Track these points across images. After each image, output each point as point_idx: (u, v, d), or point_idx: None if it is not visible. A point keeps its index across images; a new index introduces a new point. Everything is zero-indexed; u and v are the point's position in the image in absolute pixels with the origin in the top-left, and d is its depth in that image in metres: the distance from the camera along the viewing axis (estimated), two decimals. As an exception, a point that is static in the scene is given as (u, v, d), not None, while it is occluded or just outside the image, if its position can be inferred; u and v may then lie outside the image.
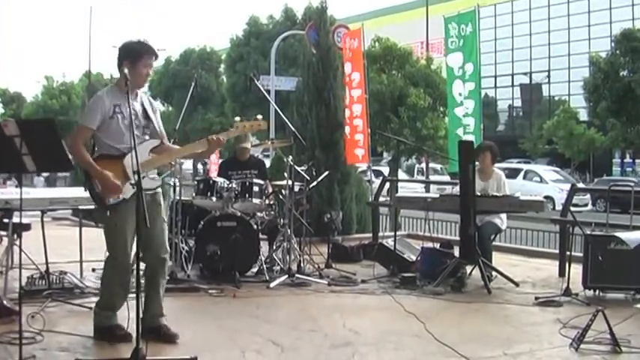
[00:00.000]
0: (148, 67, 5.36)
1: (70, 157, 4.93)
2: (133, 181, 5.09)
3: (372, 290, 7.72)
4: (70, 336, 5.37)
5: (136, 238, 5.10)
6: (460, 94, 10.67)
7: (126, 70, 5.16)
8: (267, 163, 10.97)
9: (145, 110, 5.43)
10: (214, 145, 5.60)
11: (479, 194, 8.03)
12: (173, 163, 8.22)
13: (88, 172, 5.26)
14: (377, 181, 12.52)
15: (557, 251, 9.14)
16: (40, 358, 4.83)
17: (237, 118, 5.96)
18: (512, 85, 54.17)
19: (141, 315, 4.75)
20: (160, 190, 5.54)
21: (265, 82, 24.11)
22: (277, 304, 7.02)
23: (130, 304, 5.27)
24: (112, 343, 5.24)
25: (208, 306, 6.85)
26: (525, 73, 52.30)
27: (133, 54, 5.35)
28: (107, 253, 5.38)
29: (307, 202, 9.00)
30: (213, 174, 10.51)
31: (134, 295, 4.85)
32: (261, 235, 8.42)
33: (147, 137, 5.43)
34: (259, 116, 5.80)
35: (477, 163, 8.17)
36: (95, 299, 5.89)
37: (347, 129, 11.52)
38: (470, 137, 10.11)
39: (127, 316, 5.27)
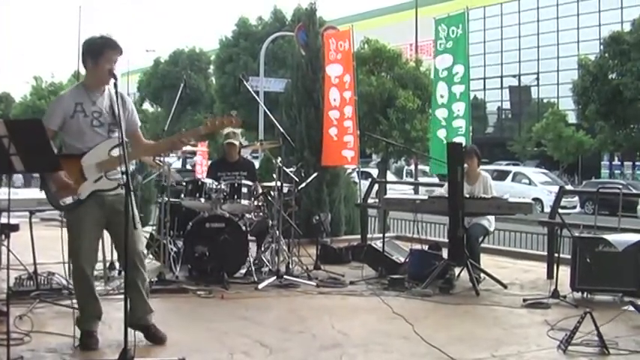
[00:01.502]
0: (110, 63, 5.09)
1: None
2: (90, 181, 5.03)
3: (360, 292, 7.71)
4: (58, 337, 5.33)
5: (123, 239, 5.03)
6: (442, 96, 10.65)
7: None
8: (256, 164, 10.93)
9: (112, 107, 5.16)
10: (179, 144, 5.52)
11: (467, 196, 8.04)
12: (160, 163, 8.24)
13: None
14: (364, 183, 12.50)
15: (545, 253, 9.15)
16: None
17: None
18: (502, 88, 54.32)
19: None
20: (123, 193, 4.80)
21: (254, 83, 24.06)
22: (266, 305, 7.01)
23: (116, 305, 5.22)
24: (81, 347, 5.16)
25: (196, 307, 6.83)
26: (514, 76, 52.49)
27: (95, 49, 5.14)
28: None
29: (296, 204, 8.99)
30: (198, 176, 10.50)
31: (122, 296, 4.82)
32: (249, 237, 8.39)
33: (114, 135, 5.11)
34: (233, 112, 5.72)
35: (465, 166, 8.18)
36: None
37: (334, 130, 11.44)
38: (460, 139, 10.08)
39: (115, 317, 5.24)
